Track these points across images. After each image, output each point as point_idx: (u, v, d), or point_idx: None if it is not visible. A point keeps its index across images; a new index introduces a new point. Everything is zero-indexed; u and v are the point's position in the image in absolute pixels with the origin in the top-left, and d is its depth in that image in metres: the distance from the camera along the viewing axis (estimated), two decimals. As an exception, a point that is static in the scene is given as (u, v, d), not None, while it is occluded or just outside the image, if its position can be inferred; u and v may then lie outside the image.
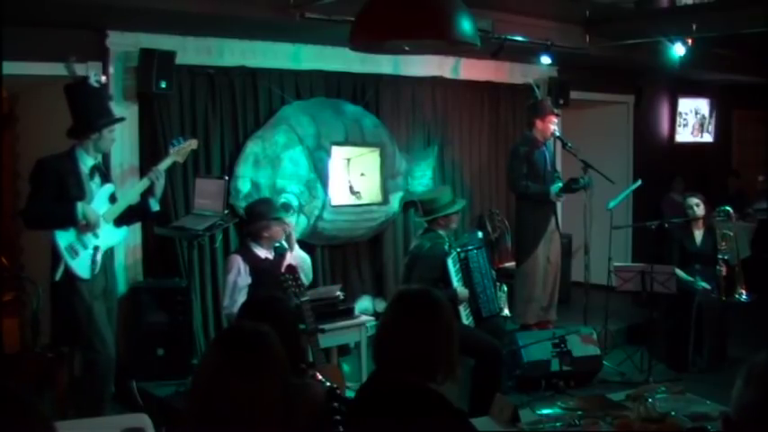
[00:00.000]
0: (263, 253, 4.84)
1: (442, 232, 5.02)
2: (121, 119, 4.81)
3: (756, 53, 7.91)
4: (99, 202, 4.43)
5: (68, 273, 4.27)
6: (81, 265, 4.30)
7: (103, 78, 5.38)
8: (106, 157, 5.20)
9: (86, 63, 5.30)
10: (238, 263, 4.77)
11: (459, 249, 4.96)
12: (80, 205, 4.26)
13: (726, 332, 5.99)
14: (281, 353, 1.80)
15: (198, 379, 1.80)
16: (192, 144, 4.92)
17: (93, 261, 4.34)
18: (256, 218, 4.86)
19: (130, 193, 4.66)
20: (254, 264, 4.78)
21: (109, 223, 4.46)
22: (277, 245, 4.91)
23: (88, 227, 4.31)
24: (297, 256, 4.95)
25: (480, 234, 5.52)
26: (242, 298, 4.66)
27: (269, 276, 4.61)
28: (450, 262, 4.86)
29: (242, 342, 1.79)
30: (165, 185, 4.72)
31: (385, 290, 6.74)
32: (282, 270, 4.47)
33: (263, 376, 1.72)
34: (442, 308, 2.23)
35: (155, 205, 4.63)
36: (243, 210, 5.20)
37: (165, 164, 4.70)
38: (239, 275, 4.75)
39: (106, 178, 4.60)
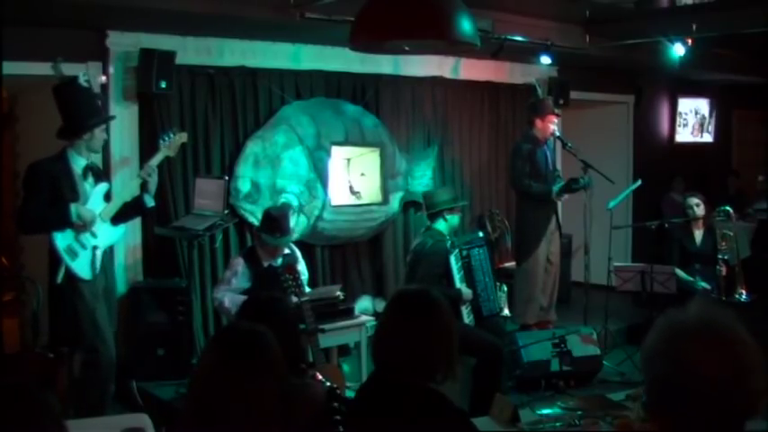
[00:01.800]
0: (266, 260, 4.87)
1: (444, 230, 5.03)
2: (112, 117, 4.81)
3: (756, 53, 7.91)
4: (94, 201, 4.43)
5: (69, 274, 4.26)
6: (81, 266, 4.30)
7: (103, 78, 5.39)
8: (106, 157, 5.21)
9: (86, 63, 5.31)
10: (238, 268, 4.86)
11: (461, 247, 4.97)
12: (74, 207, 4.25)
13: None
14: (279, 353, 1.80)
15: (195, 379, 1.81)
16: (183, 137, 4.90)
17: (93, 261, 4.33)
18: (268, 230, 4.88)
19: (125, 191, 4.65)
20: (256, 270, 4.82)
21: (106, 222, 4.46)
22: (288, 252, 4.95)
23: (84, 227, 4.30)
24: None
25: (482, 234, 5.52)
26: (231, 294, 4.75)
27: (271, 284, 4.61)
28: (452, 259, 4.87)
29: (238, 343, 1.79)
30: (158, 180, 4.72)
31: (385, 290, 6.74)
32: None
33: (259, 377, 1.72)
34: (440, 308, 2.23)
35: (149, 201, 4.63)
36: (263, 212, 5.27)
37: (156, 159, 4.70)
38: (235, 276, 4.84)
39: (100, 177, 4.59)
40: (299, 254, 5.18)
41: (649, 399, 1.43)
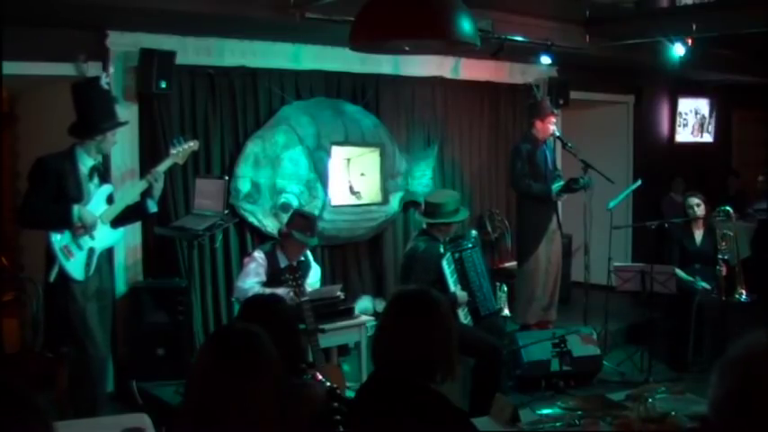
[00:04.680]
0: (284, 262, 4.87)
1: (438, 235, 5.01)
2: (126, 122, 4.79)
3: (756, 53, 7.91)
4: (96, 202, 4.42)
5: (62, 273, 4.25)
6: (75, 267, 4.28)
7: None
8: (106, 158, 5.19)
9: (86, 63, 5.30)
10: (260, 261, 4.85)
11: (452, 250, 4.94)
12: (76, 208, 4.24)
13: (726, 332, 5.98)
14: (274, 353, 1.80)
15: (192, 379, 1.81)
16: (193, 146, 4.88)
17: (88, 263, 4.32)
18: (300, 227, 4.88)
19: (128, 194, 4.63)
20: (272, 269, 4.83)
21: (105, 224, 4.44)
22: (303, 259, 4.96)
23: (84, 229, 4.29)
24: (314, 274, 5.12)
25: (474, 233, 5.48)
26: (259, 287, 4.73)
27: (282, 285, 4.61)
28: (444, 263, 4.84)
29: (232, 344, 1.79)
30: (163, 187, 4.70)
31: (385, 290, 6.74)
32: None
33: (255, 377, 1.72)
34: (439, 308, 2.23)
35: (152, 206, 4.61)
36: (292, 212, 5.32)
37: (164, 165, 4.67)
38: (260, 267, 4.83)
39: (104, 179, 4.59)
40: (313, 262, 5.18)
41: (717, 413, 1.35)
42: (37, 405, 1.26)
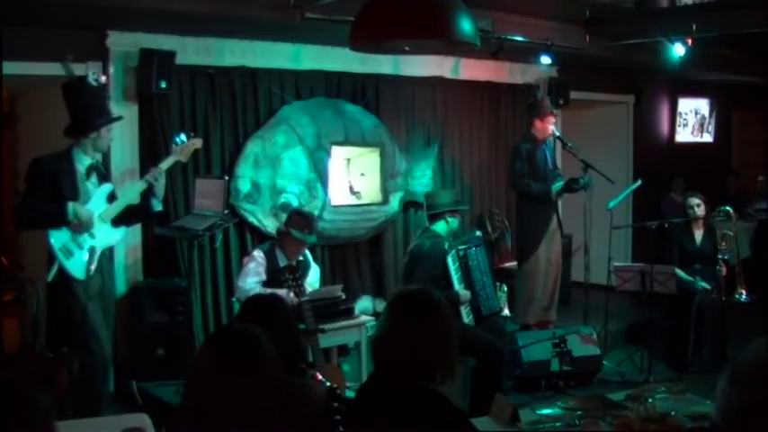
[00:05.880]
0: (282, 260, 4.87)
1: (442, 232, 5.03)
2: (119, 118, 4.79)
3: (756, 53, 7.91)
4: (96, 201, 4.41)
5: (63, 273, 4.25)
6: (75, 266, 4.27)
7: (103, 78, 5.39)
8: (106, 158, 5.20)
9: (86, 63, 5.31)
10: (260, 260, 4.85)
11: (458, 247, 4.97)
12: (71, 205, 4.23)
13: (726, 332, 5.99)
14: (273, 354, 1.80)
15: (190, 380, 1.81)
16: (197, 143, 4.85)
17: (89, 262, 4.32)
18: (298, 225, 4.89)
19: (129, 193, 4.62)
20: (272, 268, 4.84)
21: (106, 223, 4.44)
22: (302, 259, 4.97)
23: (81, 227, 4.28)
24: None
25: (479, 233, 5.50)
26: (260, 288, 4.74)
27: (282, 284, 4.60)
28: (449, 260, 4.86)
29: (231, 345, 1.79)
30: (165, 185, 4.70)
31: (385, 290, 6.74)
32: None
33: (253, 377, 1.73)
34: (440, 308, 2.23)
35: (157, 205, 4.60)
36: (290, 212, 5.32)
37: (166, 163, 4.65)
38: (260, 267, 4.84)
39: (105, 178, 4.58)
40: (312, 261, 5.19)
41: (729, 422, 1.29)
42: (40, 404, 1.26)
